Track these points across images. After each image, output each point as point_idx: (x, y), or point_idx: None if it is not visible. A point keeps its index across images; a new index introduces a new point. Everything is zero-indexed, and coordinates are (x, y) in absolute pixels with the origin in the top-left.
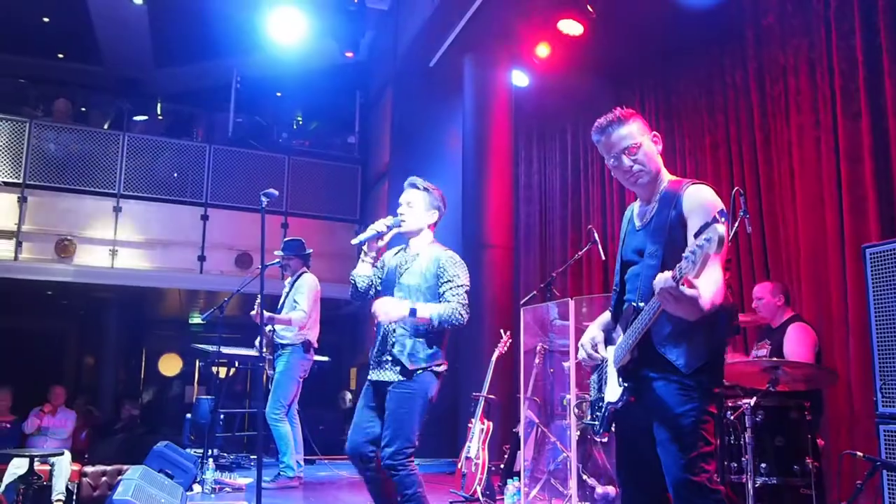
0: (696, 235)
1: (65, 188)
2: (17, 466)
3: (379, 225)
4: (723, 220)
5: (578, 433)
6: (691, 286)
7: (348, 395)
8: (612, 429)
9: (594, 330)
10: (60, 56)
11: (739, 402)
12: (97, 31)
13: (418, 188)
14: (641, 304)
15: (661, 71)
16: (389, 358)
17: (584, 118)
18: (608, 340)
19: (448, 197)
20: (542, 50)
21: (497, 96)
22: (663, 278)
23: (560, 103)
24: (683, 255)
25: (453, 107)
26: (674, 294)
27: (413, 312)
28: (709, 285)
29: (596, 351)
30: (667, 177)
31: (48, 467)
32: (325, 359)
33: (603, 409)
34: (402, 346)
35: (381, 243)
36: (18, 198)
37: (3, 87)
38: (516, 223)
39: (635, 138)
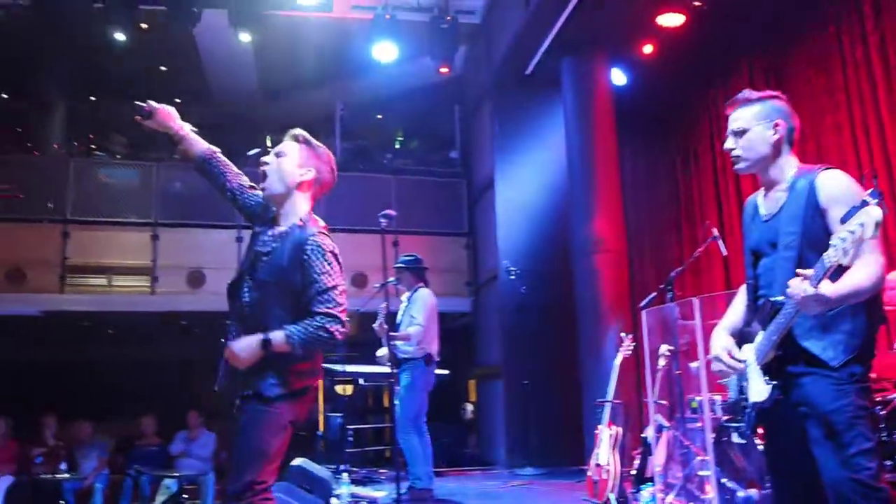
0: (844, 221)
1: (192, 224)
2: (168, 486)
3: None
4: (875, 201)
5: (714, 435)
6: (830, 284)
7: (469, 407)
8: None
9: (723, 337)
10: (177, 100)
11: (889, 397)
12: (207, 73)
13: (298, 140)
14: (780, 299)
15: (771, 53)
16: None
17: (691, 109)
18: (743, 339)
19: (555, 203)
20: (647, 47)
21: (598, 97)
22: (799, 288)
23: (664, 97)
24: (831, 242)
25: (553, 112)
26: (815, 300)
27: (267, 344)
28: (865, 271)
29: (733, 359)
30: (793, 163)
31: (195, 487)
32: (446, 372)
33: (748, 410)
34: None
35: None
36: (151, 236)
37: (133, 136)
38: (627, 224)
39: (746, 123)
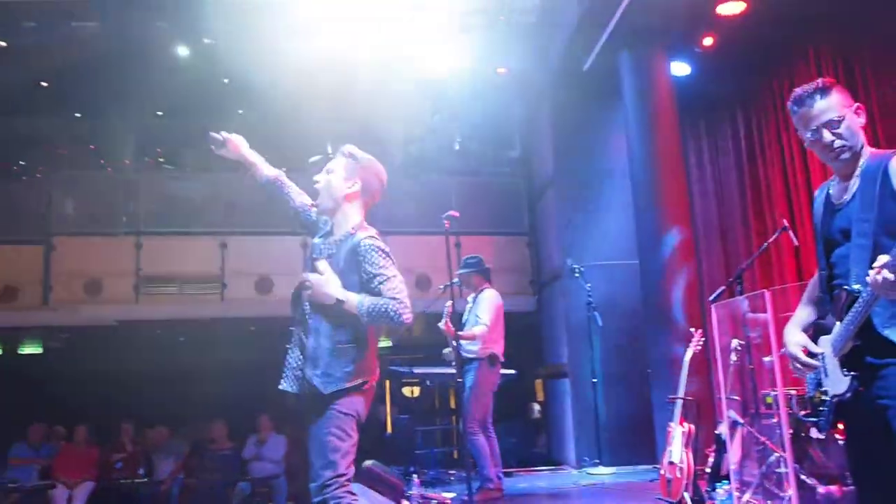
0: None
1: (259, 231)
2: (242, 489)
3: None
4: None
5: (791, 431)
6: None
7: (536, 407)
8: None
9: (796, 333)
10: (240, 112)
11: None
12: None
13: (345, 156)
14: (857, 287)
15: (837, 37)
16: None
17: (755, 99)
18: (818, 333)
19: (618, 198)
20: (708, 38)
21: (658, 90)
22: (879, 275)
23: (726, 87)
24: None
25: (613, 107)
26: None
27: (340, 301)
28: None
29: (808, 355)
30: (867, 149)
31: (267, 489)
32: (512, 372)
33: (826, 404)
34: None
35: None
36: (220, 244)
37: (198, 149)
38: (693, 218)
39: (838, 111)
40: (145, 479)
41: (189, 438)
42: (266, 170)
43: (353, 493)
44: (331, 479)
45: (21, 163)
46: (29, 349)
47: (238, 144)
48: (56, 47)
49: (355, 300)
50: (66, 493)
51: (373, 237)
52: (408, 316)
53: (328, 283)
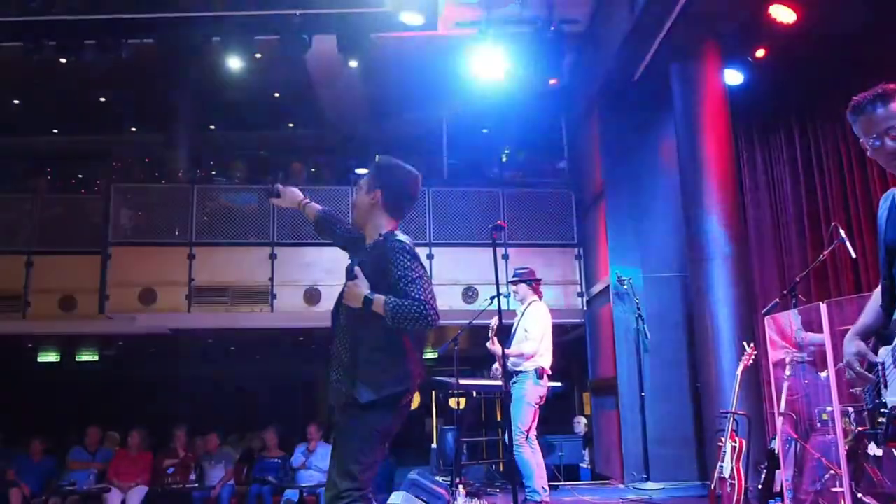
0: None
1: (308, 242)
2: (289, 497)
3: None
4: None
5: (847, 448)
6: None
7: (583, 421)
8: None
9: (855, 343)
10: (291, 125)
11: None
12: (319, 98)
13: (370, 169)
14: None
15: (893, 46)
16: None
17: (812, 107)
18: (880, 342)
19: (668, 210)
20: (762, 47)
21: (710, 99)
22: None
23: (782, 96)
24: None
25: (664, 117)
26: None
27: (368, 300)
28: None
29: (865, 367)
30: None
31: (314, 497)
32: (559, 385)
33: (886, 417)
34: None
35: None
36: (269, 255)
37: (249, 162)
38: (746, 229)
39: None
40: (196, 485)
41: (239, 446)
42: (316, 207)
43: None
44: (347, 490)
45: (79, 175)
46: (86, 356)
47: (294, 193)
48: (113, 63)
49: (381, 299)
50: (120, 497)
51: (400, 240)
52: (433, 317)
53: (358, 284)
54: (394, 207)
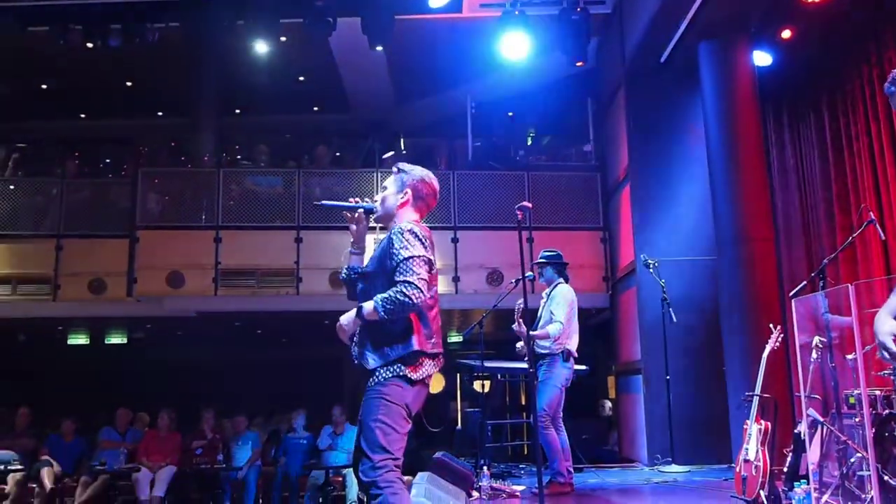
0: None
1: (332, 226)
2: (316, 478)
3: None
4: None
5: (874, 431)
6: None
7: (608, 404)
8: None
9: (887, 321)
10: (315, 109)
11: None
12: (344, 81)
13: (393, 171)
14: None
15: None
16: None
17: (843, 88)
18: None
19: (695, 192)
20: (789, 27)
21: (739, 81)
22: None
23: (811, 77)
24: None
25: (691, 100)
26: None
27: (360, 312)
28: None
29: None
30: None
31: (340, 478)
32: (584, 368)
33: None
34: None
35: (353, 227)
36: (295, 238)
37: (274, 146)
38: (774, 212)
39: None
40: (223, 465)
41: (267, 427)
42: (355, 259)
43: (402, 479)
44: (383, 460)
45: (107, 160)
46: (115, 339)
47: (362, 233)
48: (139, 47)
49: (370, 306)
50: (150, 477)
51: (402, 225)
52: (415, 295)
53: (340, 319)
54: (420, 206)
